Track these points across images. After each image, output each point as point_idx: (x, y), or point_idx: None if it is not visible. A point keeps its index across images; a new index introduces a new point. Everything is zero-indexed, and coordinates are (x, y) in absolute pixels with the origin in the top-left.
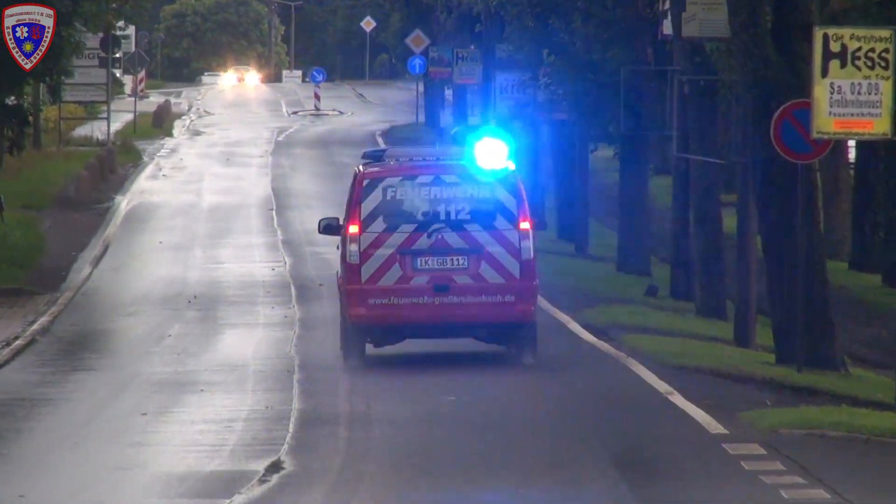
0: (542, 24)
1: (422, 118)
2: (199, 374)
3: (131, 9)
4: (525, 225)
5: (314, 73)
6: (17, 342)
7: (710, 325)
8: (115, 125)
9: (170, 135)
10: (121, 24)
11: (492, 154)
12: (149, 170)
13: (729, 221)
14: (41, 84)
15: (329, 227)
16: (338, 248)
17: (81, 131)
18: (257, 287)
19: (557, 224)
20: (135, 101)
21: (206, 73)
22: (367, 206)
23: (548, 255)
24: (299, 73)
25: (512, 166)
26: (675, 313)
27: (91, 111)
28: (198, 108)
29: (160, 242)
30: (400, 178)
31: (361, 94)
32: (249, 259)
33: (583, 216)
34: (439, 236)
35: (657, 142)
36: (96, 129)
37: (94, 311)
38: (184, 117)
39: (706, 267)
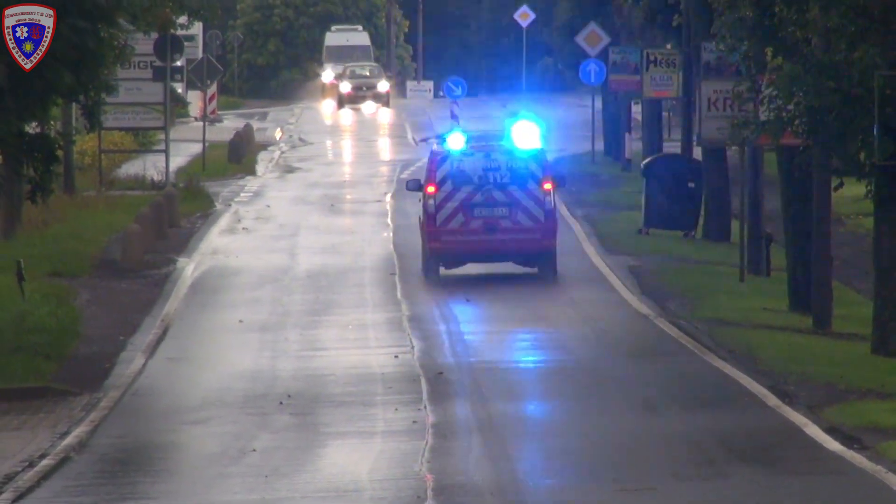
0: (765, 14)
1: (599, 146)
2: None
3: None
4: (547, 186)
5: (450, 84)
6: (45, 462)
7: None
8: (177, 160)
9: (252, 173)
10: (183, 20)
11: (525, 135)
12: (223, 221)
13: None
14: (73, 105)
15: (415, 185)
16: (419, 200)
17: (130, 169)
18: (374, 382)
19: (789, 289)
20: (203, 126)
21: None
22: (440, 173)
23: (776, 332)
24: (430, 84)
25: (539, 145)
26: None
27: (143, 142)
28: (290, 135)
29: (240, 322)
30: (462, 153)
31: (516, 113)
32: (363, 343)
33: (824, 279)
34: (489, 194)
35: None
36: (150, 167)
37: (149, 419)
38: (271, 148)
39: None
